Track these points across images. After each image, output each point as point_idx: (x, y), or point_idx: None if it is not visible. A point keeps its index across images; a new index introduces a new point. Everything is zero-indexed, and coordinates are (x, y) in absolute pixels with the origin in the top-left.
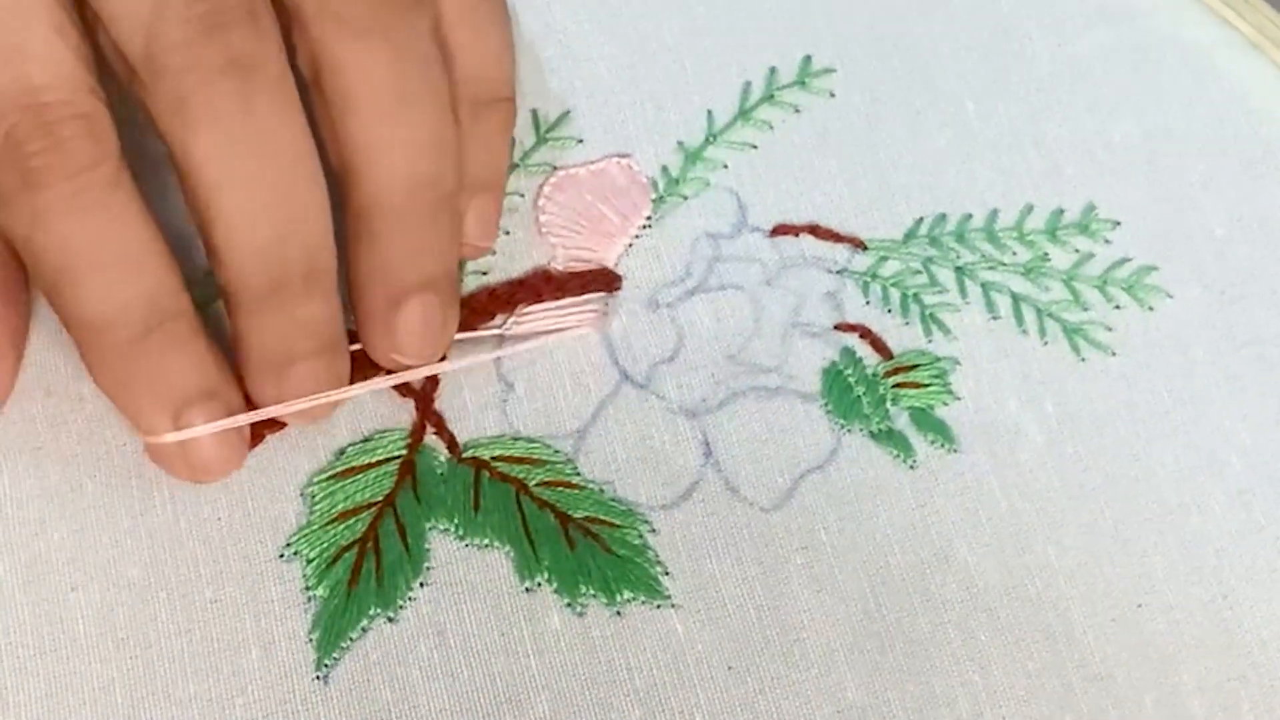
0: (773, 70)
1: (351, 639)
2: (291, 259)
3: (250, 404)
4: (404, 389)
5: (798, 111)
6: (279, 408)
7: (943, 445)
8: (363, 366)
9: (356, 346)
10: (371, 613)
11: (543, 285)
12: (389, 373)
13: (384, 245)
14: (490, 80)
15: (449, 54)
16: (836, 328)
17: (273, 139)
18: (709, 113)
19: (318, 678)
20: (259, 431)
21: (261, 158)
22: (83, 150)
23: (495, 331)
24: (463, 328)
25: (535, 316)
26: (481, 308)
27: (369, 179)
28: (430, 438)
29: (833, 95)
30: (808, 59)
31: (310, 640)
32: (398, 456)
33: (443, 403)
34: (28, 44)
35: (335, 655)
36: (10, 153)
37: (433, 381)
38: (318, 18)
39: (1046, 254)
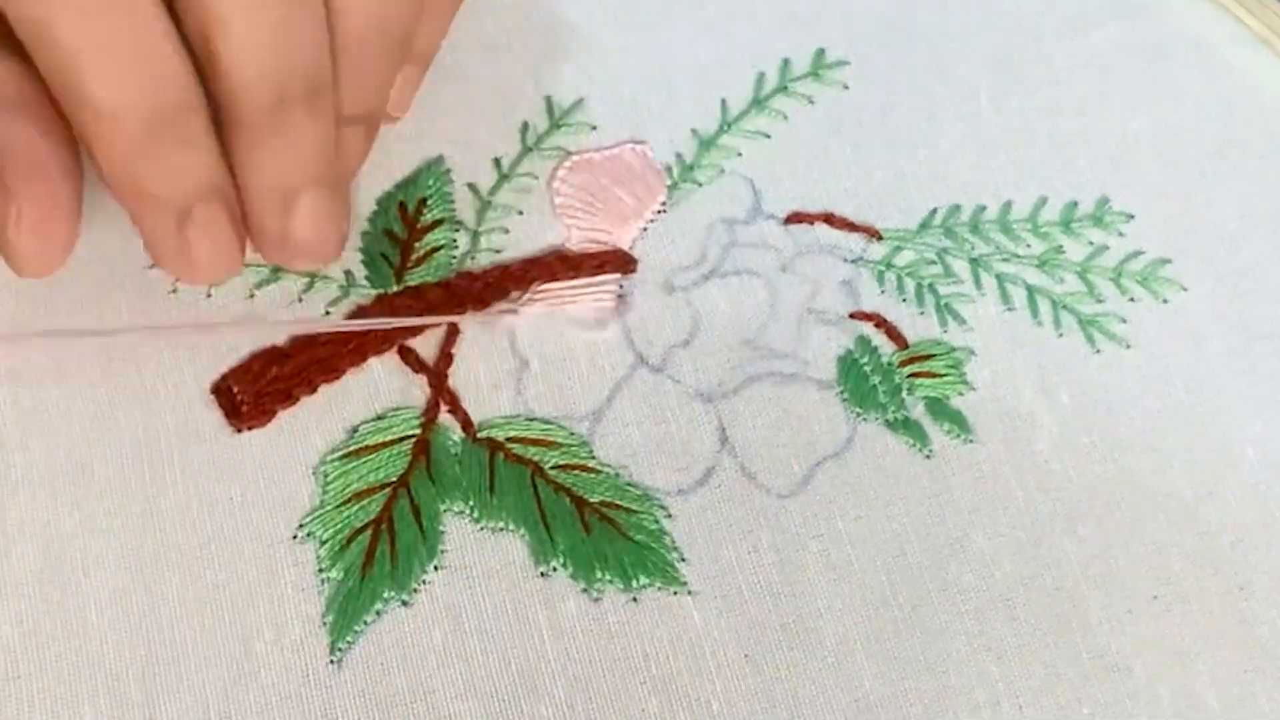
0: (786, 62)
1: (366, 622)
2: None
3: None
4: (417, 364)
5: (811, 102)
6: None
7: (958, 435)
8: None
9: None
10: (386, 596)
11: (558, 265)
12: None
13: (259, 145)
14: (422, 43)
15: None
16: (852, 316)
17: None
18: (723, 101)
19: (331, 661)
20: (314, 382)
21: None
22: None
23: (510, 307)
24: (477, 303)
25: (550, 295)
26: (496, 284)
27: (236, 71)
28: (444, 416)
29: (846, 87)
30: (821, 51)
31: (324, 623)
32: (411, 435)
33: (457, 380)
34: None
35: (349, 639)
36: None
37: (446, 358)
38: None
39: (1061, 246)
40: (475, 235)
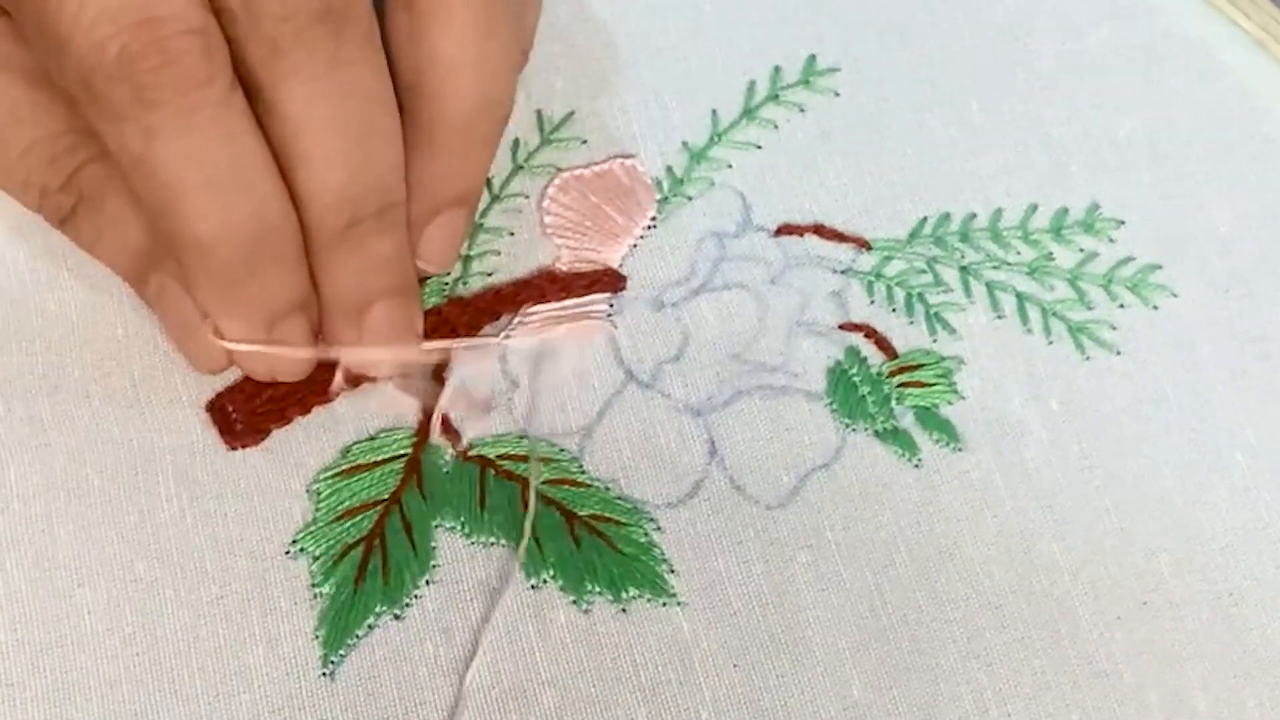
0: (777, 69)
1: (358, 636)
2: (368, 197)
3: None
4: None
5: (802, 111)
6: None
7: (948, 444)
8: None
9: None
10: (378, 610)
11: (548, 286)
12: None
13: (439, 159)
14: (524, 35)
15: None
16: (841, 327)
17: (359, 86)
18: (713, 112)
19: (324, 675)
20: (308, 402)
21: (347, 104)
22: (196, 67)
23: (502, 335)
24: (468, 328)
25: (541, 317)
26: (487, 308)
27: (443, 93)
28: (435, 436)
29: (837, 94)
30: (812, 58)
31: (316, 637)
32: (403, 454)
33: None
34: None
35: (341, 652)
36: (123, 69)
37: (438, 380)
38: None
39: (1051, 253)
40: (467, 259)
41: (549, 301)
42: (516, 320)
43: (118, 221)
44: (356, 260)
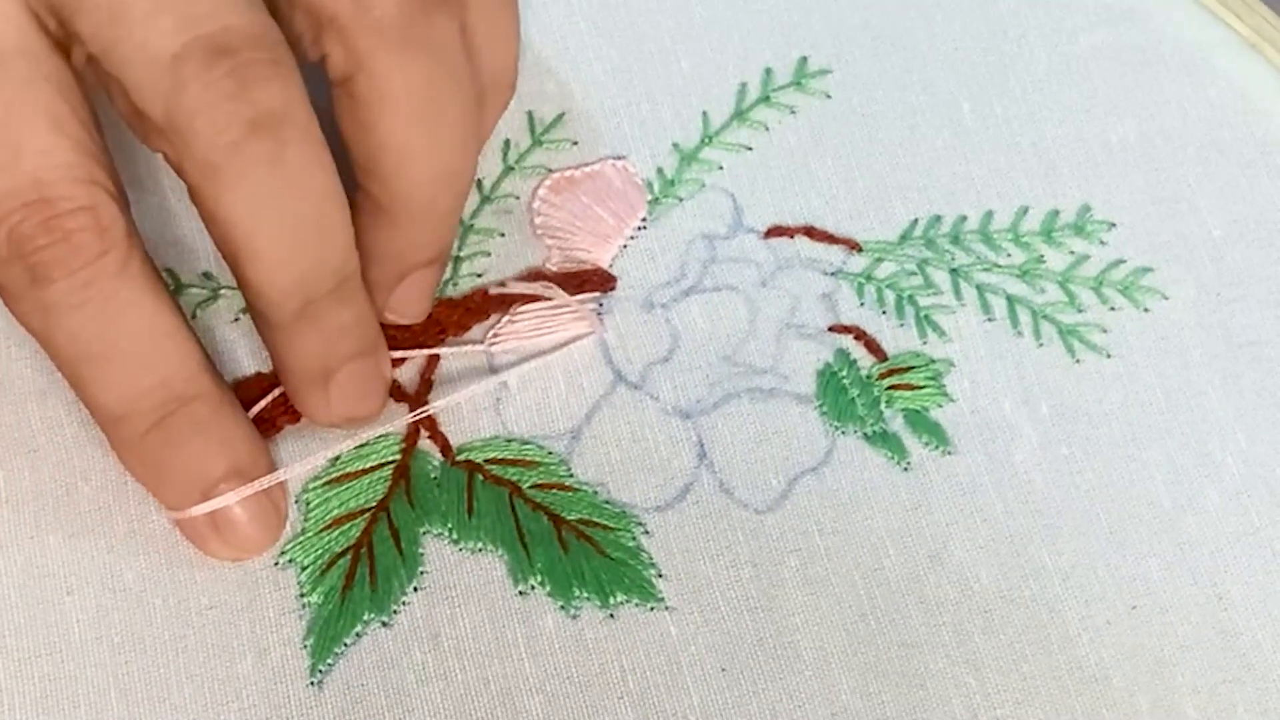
0: (768, 71)
1: (346, 644)
2: (323, 280)
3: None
4: (397, 393)
5: (793, 113)
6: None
7: (937, 447)
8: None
9: None
10: (366, 618)
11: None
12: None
13: (402, 232)
14: (500, 70)
15: (470, 47)
16: (831, 329)
17: (303, 185)
18: (704, 114)
19: (312, 684)
20: (277, 422)
21: (292, 204)
22: (87, 242)
23: (490, 334)
24: (458, 328)
25: (530, 317)
26: (477, 308)
27: (398, 179)
28: (424, 441)
29: (829, 96)
30: (804, 60)
31: (305, 646)
32: (392, 461)
33: (436, 405)
34: (25, 141)
35: (329, 661)
36: (15, 249)
37: (425, 385)
38: (354, 27)
39: (1042, 256)
40: (457, 260)
41: (539, 301)
42: (506, 320)
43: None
44: (316, 334)
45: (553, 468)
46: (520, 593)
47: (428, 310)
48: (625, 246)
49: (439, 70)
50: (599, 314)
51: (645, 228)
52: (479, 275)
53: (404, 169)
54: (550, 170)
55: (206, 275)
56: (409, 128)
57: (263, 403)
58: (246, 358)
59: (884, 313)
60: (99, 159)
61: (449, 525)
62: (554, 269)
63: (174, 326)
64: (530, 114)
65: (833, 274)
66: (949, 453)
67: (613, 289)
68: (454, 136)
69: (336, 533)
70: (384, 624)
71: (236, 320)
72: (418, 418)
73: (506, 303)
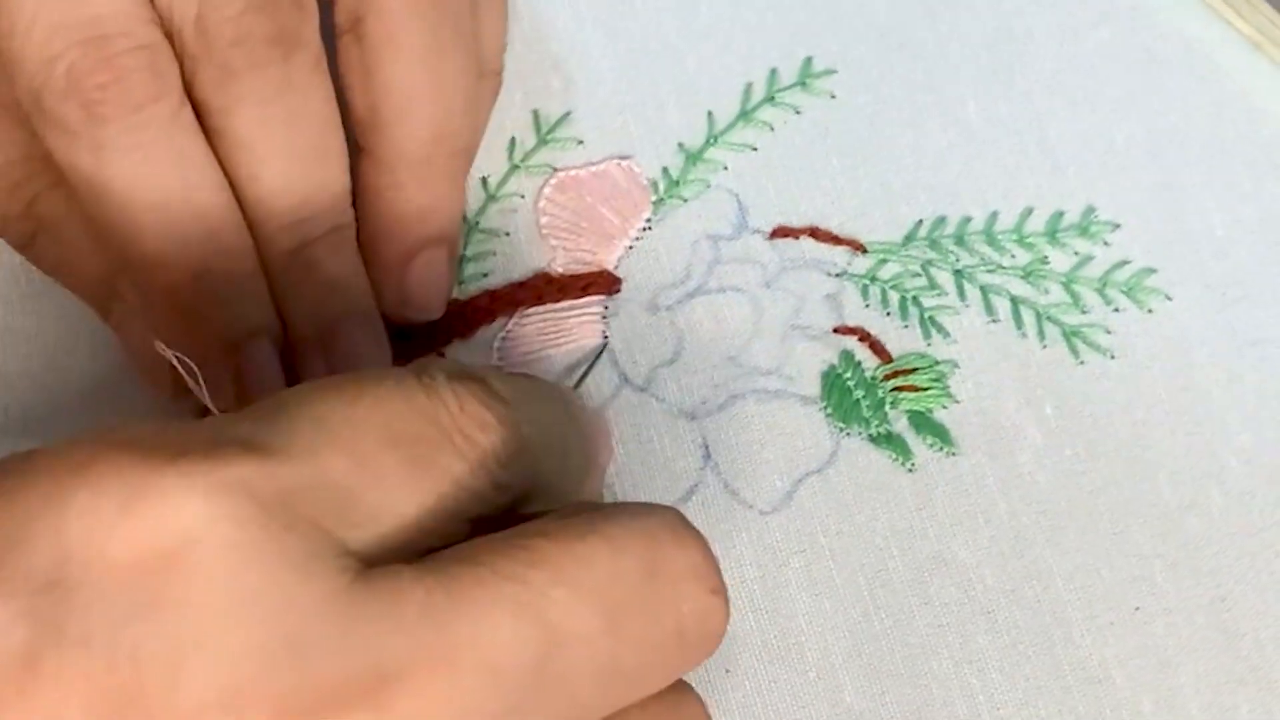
0: (774, 71)
1: None
2: (319, 219)
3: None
4: None
5: (798, 113)
6: None
7: (941, 448)
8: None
9: None
10: None
11: (544, 287)
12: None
13: (405, 198)
14: (492, 54)
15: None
16: (836, 330)
17: (309, 110)
18: (710, 114)
19: None
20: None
21: (298, 127)
22: (145, 83)
23: (498, 339)
24: (464, 330)
25: (536, 319)
26: (483, 309)
27: (398, 126)
28: None
29: (834, 96)
30: (809, 60)
31: None
32: None
33: None
34: None
35: None
36: (72, 85)
37: None
38: None
39: (1046, 256)
40: (464, 260)
41: (545, 303)
42: (512, 322)
43: (77, 249)
44: (311, 284)
45: None
46: None
47: (444, 304)
48: (630, 248)
49: (446, 18)
50: (604, 317)
51: (650, 228)
52: (485, 275)
53: (406, 115)
54: (555, 169)
55: None
56: (413, 71)
57: None
58: None
59: (888, 314)
60: (154, 10)
61: None
62: (559, 271)
63: (220, 181)
64: (535, 112)
65: (837, 275)
66: (953, 454)
67: (618, 291)
68: (456, 86)
69: None
70: None
71: None
72: None
73: (513, 305)
